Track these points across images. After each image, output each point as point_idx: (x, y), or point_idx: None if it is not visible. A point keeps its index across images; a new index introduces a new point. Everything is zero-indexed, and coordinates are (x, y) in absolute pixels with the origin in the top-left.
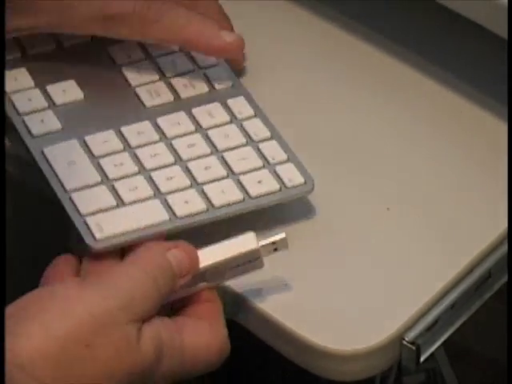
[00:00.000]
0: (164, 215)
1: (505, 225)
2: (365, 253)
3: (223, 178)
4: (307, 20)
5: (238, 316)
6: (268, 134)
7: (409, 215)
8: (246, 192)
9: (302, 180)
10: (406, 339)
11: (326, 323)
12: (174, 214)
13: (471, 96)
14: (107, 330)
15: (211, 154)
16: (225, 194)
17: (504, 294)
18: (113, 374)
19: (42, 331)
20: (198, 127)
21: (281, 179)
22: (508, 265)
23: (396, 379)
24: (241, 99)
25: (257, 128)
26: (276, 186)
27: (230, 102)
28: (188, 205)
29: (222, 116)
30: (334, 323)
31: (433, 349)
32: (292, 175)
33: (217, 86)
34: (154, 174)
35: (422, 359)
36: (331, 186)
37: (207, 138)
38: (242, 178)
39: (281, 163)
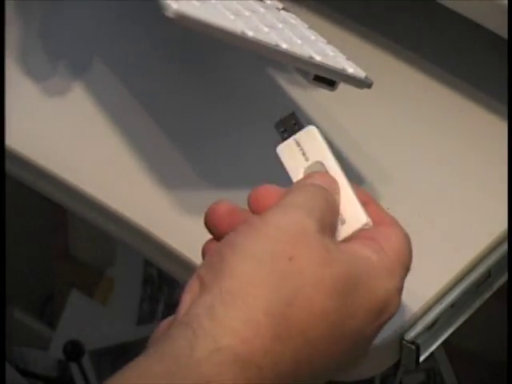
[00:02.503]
0: (238, 28)
1: (505, 225)
2: None
3: (295, 40)
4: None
5: None
6: (324, 40)
7: (409, 215)
8: (312, 55)
9: (363, 73)
10: (406, 339)
11: None
12: (245, 32)
13: (471, 95)
14: (302, 239)
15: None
16: (294, 45)
17: (504, 294)
18: (325, 282)
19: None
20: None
21: (342, 64)
22: (508, 264)
23: (396, 379)
24: (293, 16)
25: (312, 33)
26: (339, 63)
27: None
28: (260, 33)
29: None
30: None
31: (433, 348)
32: (352, 66)
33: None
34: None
35: (421, 359)
36: None
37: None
38: (306, 46)
39: (340, 57)
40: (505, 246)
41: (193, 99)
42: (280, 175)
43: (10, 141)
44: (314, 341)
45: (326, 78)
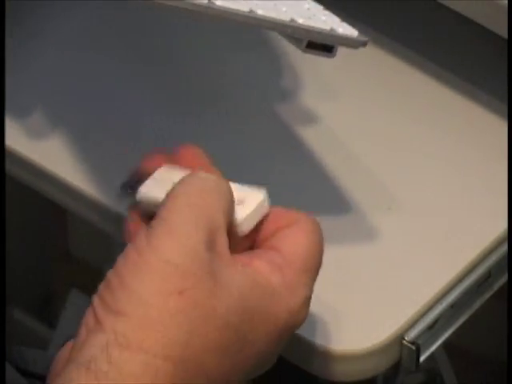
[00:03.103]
0: None
1: (505, 225)
2: (365, 252)
3: (274, 3)
4: None
5: None
6: (321, 7)
7: (409, 215)
8: (294, 18)
9: (355, 32)
10: (406, 339)
11: (326, 323)
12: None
13: (471, 95)
14: (191, 267)
15: None
16: (271, 10)
17: (504, 294)
18: (216, 314)
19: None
20: None
21: (331, 25)
22: (508, 264)
23: (396, 379)
24: None
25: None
26: (327, 24)
27: None
28: (229, 1)
29: None
30: (334, 323)
31: (433, 349)
32: (344, 27)
33: None
34: None
35: (421, 359)
36: (331, 186)
37: None
38: (289, 9)
39: (333, 19)
40: (505, 246)
41: (187, 100)
42: (279, 175)
43: (10, 141)
44: (215, 376)
45: (321, 45)
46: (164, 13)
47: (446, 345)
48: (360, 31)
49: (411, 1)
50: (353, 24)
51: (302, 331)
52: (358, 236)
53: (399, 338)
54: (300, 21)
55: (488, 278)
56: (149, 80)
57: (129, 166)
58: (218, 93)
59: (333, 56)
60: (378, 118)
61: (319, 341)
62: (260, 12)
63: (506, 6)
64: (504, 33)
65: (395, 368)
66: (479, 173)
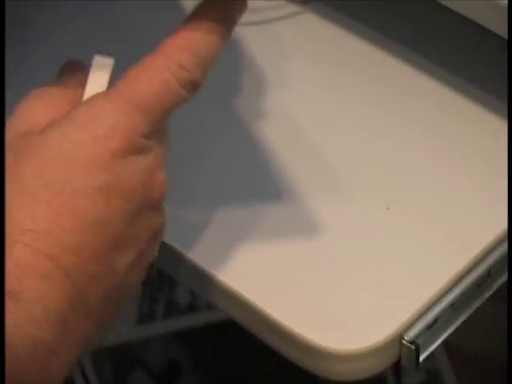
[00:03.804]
0: None
1: (505, 225)
2: (364, 252)
3: None
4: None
5: (238, 316)
6: None
7: (409, 215)
8: None
9: None
10: (406, 338)
11: (325, 323)
12: None
13: (471, 95)
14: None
15: None
16: None
17: (504, 294)
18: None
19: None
20: None
21: None
22: (508, 264)
23: (396, 379)
24: None
25: None
26: None
27: None
28: None
29: None
30: (333, 323)
31: (432, 348)
32: None
33: None
34: None
35: (421, 358)
36: (330, 186)
37: None
38: None
39: None
40: (505, 246)
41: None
42: (277, 175)
43: None
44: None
45: None
46: None
47: (446, 345)
48: (359, 31)
49: (411, 0)
50: (352, 23)
51: (302, 331)
52: (357, 236)
53: (399, 338)
54: None
55: (487, 277)
56: None
57: None
58: None
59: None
60: (376, 117)
61: (319, 340)
62: None
63: (506, 6)
64: (504, 33)
65: (395, 368)
66: (479, 172)
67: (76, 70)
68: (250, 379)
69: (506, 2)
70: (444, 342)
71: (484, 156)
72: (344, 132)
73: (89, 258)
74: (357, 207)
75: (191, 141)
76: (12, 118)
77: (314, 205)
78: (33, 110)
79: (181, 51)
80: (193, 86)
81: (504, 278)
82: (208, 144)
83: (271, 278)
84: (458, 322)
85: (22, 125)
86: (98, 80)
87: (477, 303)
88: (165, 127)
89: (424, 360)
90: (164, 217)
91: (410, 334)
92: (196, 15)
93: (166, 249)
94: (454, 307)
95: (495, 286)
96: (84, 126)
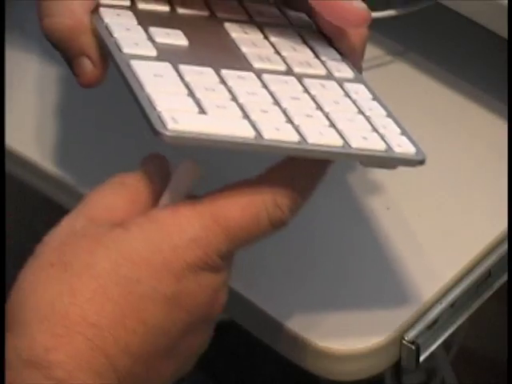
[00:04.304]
0: (250, 132)
1: (505, 225)
2: (364, 252)
3: (324, 126)
4: None
5: (238, 316)
6: (384, 112)
7: (409, 215)
8: (347, 141)
9: (412, 149)
10: (406, 339)
11: (325, 323)
12: (260, 134)
13: (471, 95)
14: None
15: (316, 109)
16: (322, 135)
17: (504, 294)
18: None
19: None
20: (307, 92)
21: (388, 143)
22: (508, 264)
23: (396, 379)
24: (361, 87)
25: (372, 106)
26: (382, 145)
27: (347, 85)
28: (278, 131)
29: (336, 90)
30: (333, 323)
31: (433, 348)
32: (402, 143)
33: (336, 74)
34: (246, 104)
35: (421, 359)
36: (330, 186)
37: (314, 100)
38: (344, 130)
39: (391, 132)
40: (505, 246)
41: None
42: None
43: (10, 141)
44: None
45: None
46: None
47: (446, 345)
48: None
49: (412, 1)
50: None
51: (302, 331)
52: (356, 236)
53: (399, 338)
54: (353, 145)
55: (488, 277)
56: None
57: (129, 166)
58: None
59: (394, 168)
60: None
61: (319, 340)
62: (310, 141)
63: (506, 6)
64: (504, 33)
65: (395, 368)
66: (479, 173)
67: (160, 166)
68: (250, 379)
69: (506, 2)
70: (444, 341)
71: (484, 156)
72: None
73: (140, 363)
74: (356, 207)
75: None
76: (85, 204)
77: (313, 205)
78: (111, 201)
79: (281, 190)
80: (282, 225)
81: (504, 278)
82: None
83: (271, 278)
84: (458, 322)
85: (100, 213)
86: (181, 185)
87: (477, 303)
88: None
89: (424, 360)
90: (212, 331)
91: (410, 334)
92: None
93: None
94: (454, 307)
95: (495, 286)
96: (168, 233)
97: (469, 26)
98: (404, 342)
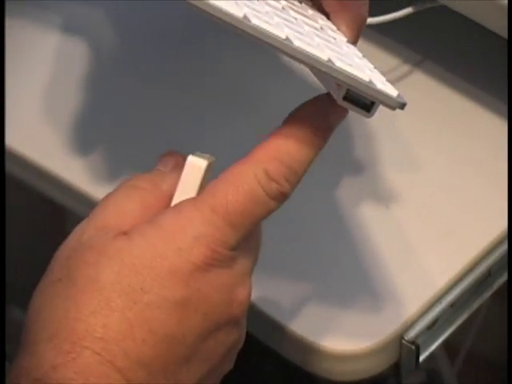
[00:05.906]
0: (239, 12)
1: (505, 224)
2: (364, 252)
3: (315, 42)
4: None
5: None
6: (373, 67)
7: (409, 215)
8: (331, 60)
9: (395, 92)
10: (406, 339)
11: (325, 323)
12: (248, 19)
13: (471, 95)
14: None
15: (316, 34)
16: (308, 46)
17: (504, 294)
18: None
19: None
20: (316, 27)
21: (371, 79)
22: (508, 264)
23: (396, 379)
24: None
25: (365, 61)
26: (366, 76)
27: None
28: (268, 25)
29: (339, 39)
30: (333, 323)
31: (432, 348)
32: (386, 84)
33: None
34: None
35: (421, 359)
36: (330, 186)
37: (317, 30)
38: (332, 54)
39: (377, 75)
40: (505, 246)
41: (193, 99)
42: None
43: (10, 141)
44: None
45: (358, 100)
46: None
47: (446, 345)
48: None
49: (412, 1)
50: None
51: (302, 331)
52: (356, 235)
53: (399, 338)
54: (337, 63)
55: (488, 277)
56: (150, 80)
57: (128, 170)
58: (220, 92)
59: (370, 116)
60: (376, 117)
61: (319, 340)
62: (297, 43)
63: (506, 6)
64: (504, 33)
65: (395, 368)
66: (479, 172)
67: (175, 164)
68: (250, 379)
69: (506, 2)
70: (444, 341)
71: (484, 156)
72: (342, 131)
73: (157, 373)
74: (357, 207)
75: None
76: (95, 211)
77: (313, 204)
78: (122, 206)
79: (269, 160)
80: (282, 197)
81: (504, 277)
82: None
83: (271, 278)
84: (458, 322)
85: (109, 220)
86: (189, 182)
87: (477, 303)
88: (253, 234)
89: (424, 360)
90: (243, 332)
91: (410, 334)
92: (291, 120)
93: None
94: (454, 307)
95: (495, 285)
96: (170, 238)
97: (469, 26)
98: (404, 341)
